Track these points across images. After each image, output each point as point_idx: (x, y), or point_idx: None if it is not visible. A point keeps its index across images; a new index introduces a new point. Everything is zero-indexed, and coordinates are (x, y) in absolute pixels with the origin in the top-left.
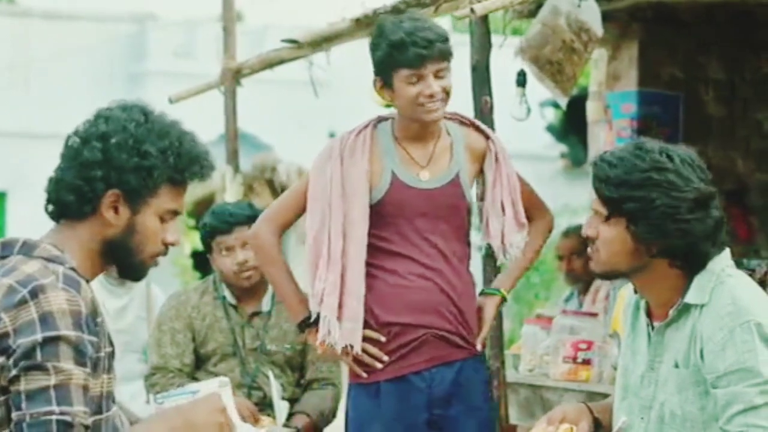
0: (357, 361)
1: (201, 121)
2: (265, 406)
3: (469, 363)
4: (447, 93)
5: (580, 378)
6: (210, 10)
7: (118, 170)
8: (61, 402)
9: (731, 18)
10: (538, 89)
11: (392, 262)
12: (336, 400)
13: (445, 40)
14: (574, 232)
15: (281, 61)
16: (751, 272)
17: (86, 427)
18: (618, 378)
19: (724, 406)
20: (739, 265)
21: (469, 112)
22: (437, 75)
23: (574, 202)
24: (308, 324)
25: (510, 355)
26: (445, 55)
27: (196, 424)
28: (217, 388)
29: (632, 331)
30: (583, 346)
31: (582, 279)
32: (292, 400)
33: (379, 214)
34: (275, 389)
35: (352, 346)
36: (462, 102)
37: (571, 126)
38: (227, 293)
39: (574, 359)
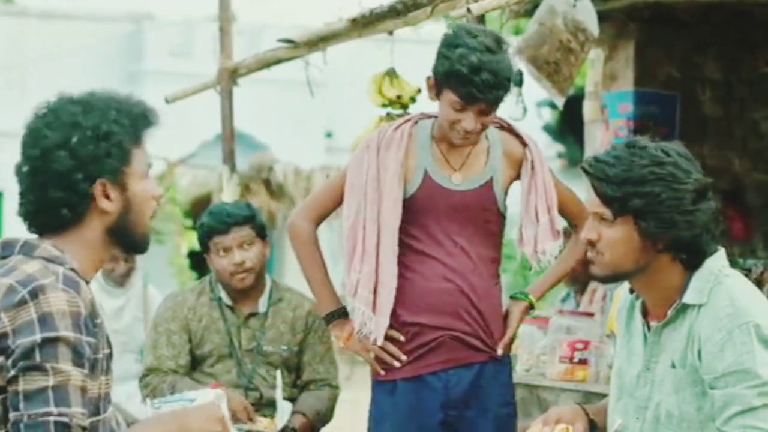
0: (377, 358)
1: (197, 121)
2: (261, 406)
3: (489, 366)
4: (484, 127)
5: (576, 378)
6: (207, 9)
7: (93, 162)
8: (59, 403)
9: (728, 18)
10: (535, 89)
11: (417, 262)
12: (333, 401)
13: (506, 87)
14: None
15: (278, 61)
16: (747, 272)
17: (83, 428)
18: (613, 379)
19: (721, 408)
20: (735, 264)
21: None
22: (481, 112)
23: None
24: (334, 317)
25: None
26: (497, 103)
27: (192, 430)
28: (214, 399)
29: (627, 332)
30: (580, 346)
31: (580, 280)
32: (289, 401)
33: (409, 210)
34: (280, 389)
35: (375, 340)
36: None
37: (568, 126)
38: (223, 294)
39: (571, 359)
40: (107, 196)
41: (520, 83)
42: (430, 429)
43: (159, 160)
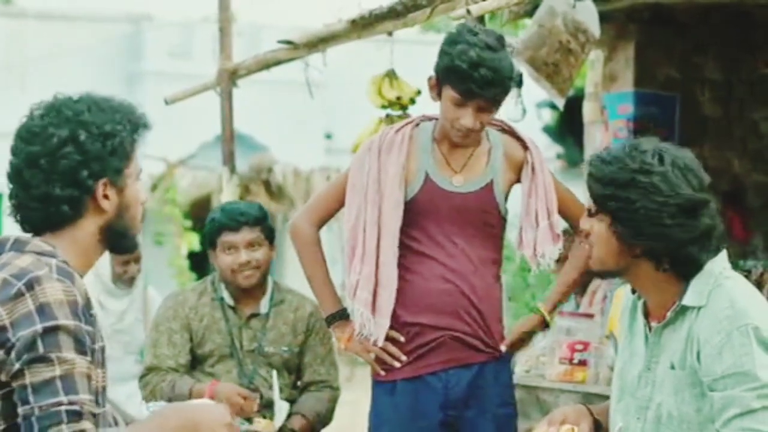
0: (377, 358)
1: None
2: (261, 407)
3: (490, 366)
4: (483, 125)
5: (576, 379)
6: (206, 10)
7: (99, 161)
8: (68, 391)
9: (728, 19)
10: (535, 90)
11: (418, 263)
12: (333, 402)
13: (505, 85)
14: (571, 233)
15: (277, 62)
16: (747, 273)
17: (94, 414)
18: (615, 379)
19: (720, 410)
20: (735, 266)
21: None
22: (480, 109)
23: None
24: (336, 318)
25: None
26: (498, 101)
27: (200, 424)
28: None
29: (629, 332)
30: (580, 347)
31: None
32: (289, 402)
33: (410, 212)
34: (276, 389)
35: (376, 341)
36: None
37: (568, 127)
38: (225, 294)
39: (570, 360)
40: (105, 196)
41: (519, 84)
42: (429, 429)
43: (159, 161)
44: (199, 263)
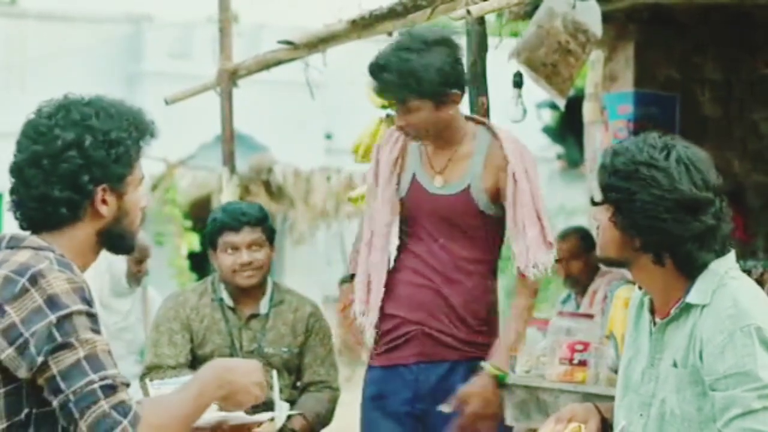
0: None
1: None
2: (261, 408)
3: (462, 365)
4: (412, 125)
5: (576, 379)
6: (206, 11)
7: (101, 167)
8: (97, 369)
9: (727, 19)
10: (535, 90)
11: (405, 259)
12: (333, 403)
13: (411, 87)
14: (570, 234)
15: (277, 63)
16: (747, 273)
17: (127, 384)
18: (619, 375)
19: (722, 410)
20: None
21: (465, 113)
22: (402, 110)
23: (570, 203)
24: (347, 280)
25: None
26: (404, 101)
27: (234, 383)
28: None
29: (635, 329)
30: (580, 347)
31: (581, 281)
32: (289, 403)
33: (403, 209)
34: (276, 389)
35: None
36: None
37: (568, 127)
38: (225, 295)
39: (570, 360)
40: (104, 201)
41: (519, 85)
42: (397, 417)
43: (159, 161)
44: (199, 263)
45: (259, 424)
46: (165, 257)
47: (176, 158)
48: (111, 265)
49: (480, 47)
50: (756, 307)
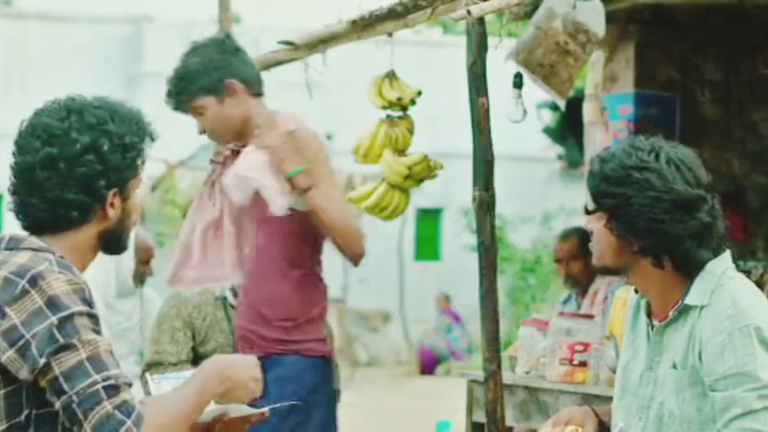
0: None
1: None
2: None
3: (273, 360)
4: (205, 130)
5: (576, 380)
6: (206, 11)
7: (116, 171)
8: (99, 370)
9: (727, 20)
10: (535, 91)
11: None
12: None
13: (186, 91)
14: (571, 234)
15: (278, 63)
16: (747, 274)
17: (129, 384)
18: (617, 378)
19: (722, 410)
20: (735, 266)
21: (465, 114)
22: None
23: (570, 203)
24: None
25: (506, 356)
26: (182, 107)
27: (232, 379)
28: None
29: (632, 331)
30: (580, 348)
31: (581, 282)
32: None
33: None
34: None
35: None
36: (459, 104)
37: (568, 128)
38: (228, 294)
39: (571, 361)
40: (112, 204)
41: (519, 85)
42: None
43: (159, 162)
44: None
45: (262, 414)
46: (165, 257)
47: (176, 159)
48: (119, 264)
49: (480, 47)
50: (755, 307)
